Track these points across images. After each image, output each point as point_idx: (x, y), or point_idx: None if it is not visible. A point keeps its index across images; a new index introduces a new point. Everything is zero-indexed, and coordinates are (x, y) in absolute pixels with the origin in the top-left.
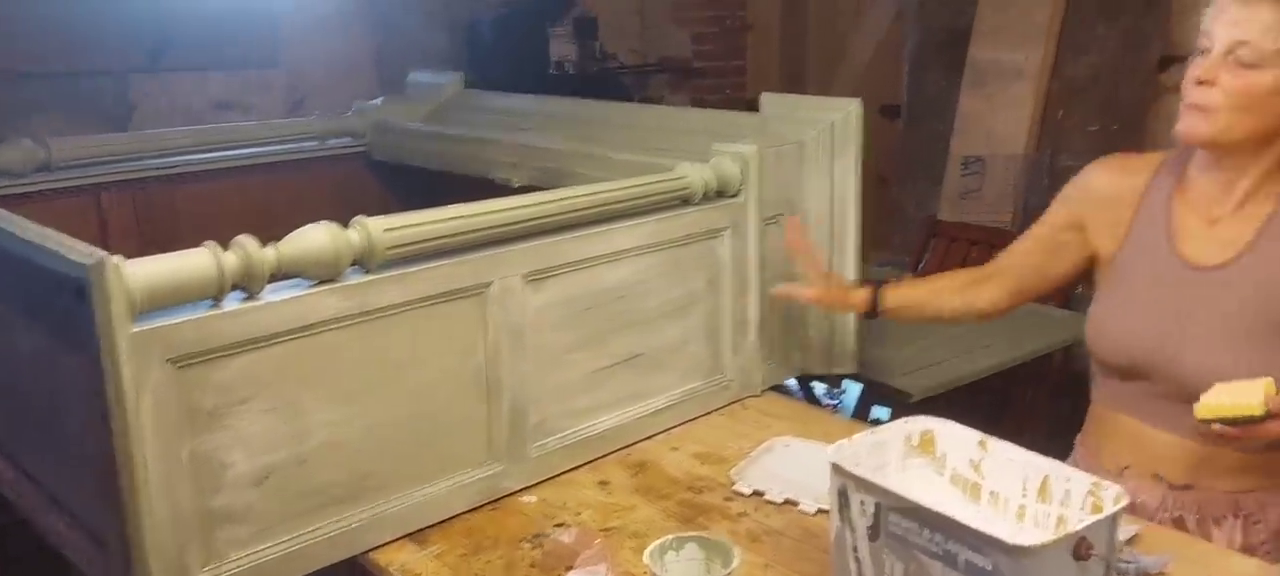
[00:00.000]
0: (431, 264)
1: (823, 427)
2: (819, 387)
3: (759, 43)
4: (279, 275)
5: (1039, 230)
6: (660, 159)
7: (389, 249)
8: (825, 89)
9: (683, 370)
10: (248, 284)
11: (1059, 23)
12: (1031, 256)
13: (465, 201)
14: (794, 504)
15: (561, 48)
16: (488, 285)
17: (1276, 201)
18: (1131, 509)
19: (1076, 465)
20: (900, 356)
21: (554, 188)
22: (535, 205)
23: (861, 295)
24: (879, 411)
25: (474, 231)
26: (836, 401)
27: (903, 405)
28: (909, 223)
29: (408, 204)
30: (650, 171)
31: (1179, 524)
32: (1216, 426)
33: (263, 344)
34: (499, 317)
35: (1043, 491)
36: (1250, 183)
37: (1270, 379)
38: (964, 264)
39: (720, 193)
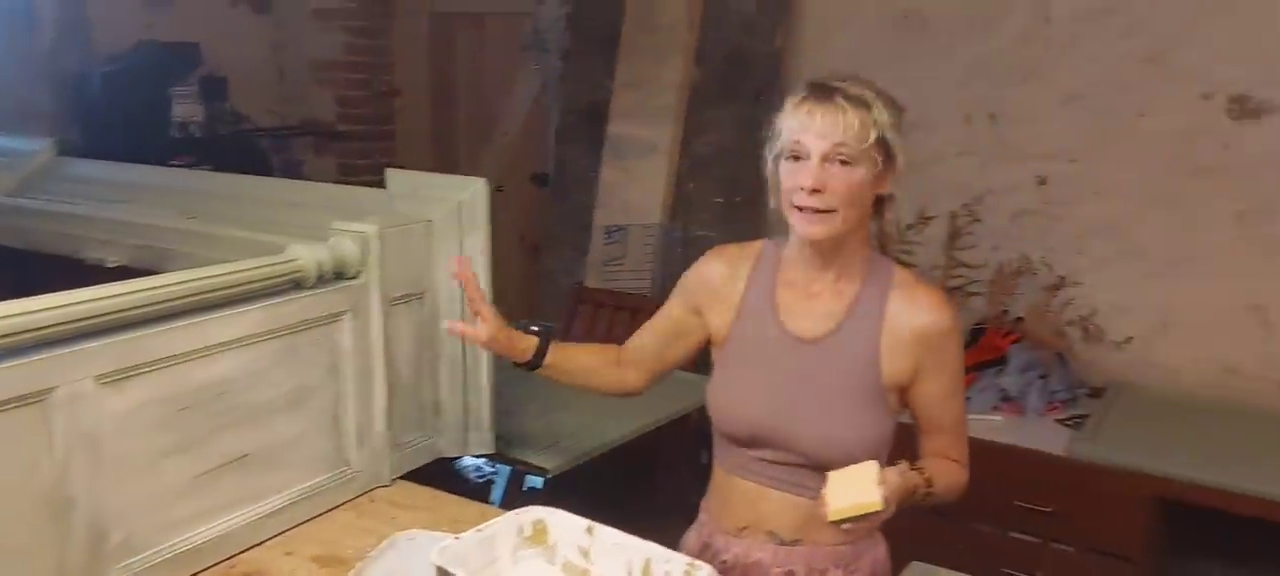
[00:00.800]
0: None
1: (453, 515)
2: (470, 462)
3: (408, 107)
4: None
5: (660, 321)
6: (276, 237)
7: None
8: (476, 156)
9: (301, 466)
10: None
11: (684, 105)
12: (656, 343)
13: (55, 286)
14: None
15: (186, 109)
16: (50, 391)
17: (861, 281)
18: (748, 567)
19: (702, 526)
20: (538, 428)
21: (155, 268)
22: (111, 297)
23: (528, 343)
24: (533, 481)
25: (28, 331)
26: (494, 471)
27: (552, 479)
28: (558, 290)
29: None
30: (260, 252)
31: None
32: (845, 526)
33: None
34: (68, 427)
35: (646, 574)
36: (842, 261)
37: (875, 463)
38: (610, 329)
39: (339, 274)
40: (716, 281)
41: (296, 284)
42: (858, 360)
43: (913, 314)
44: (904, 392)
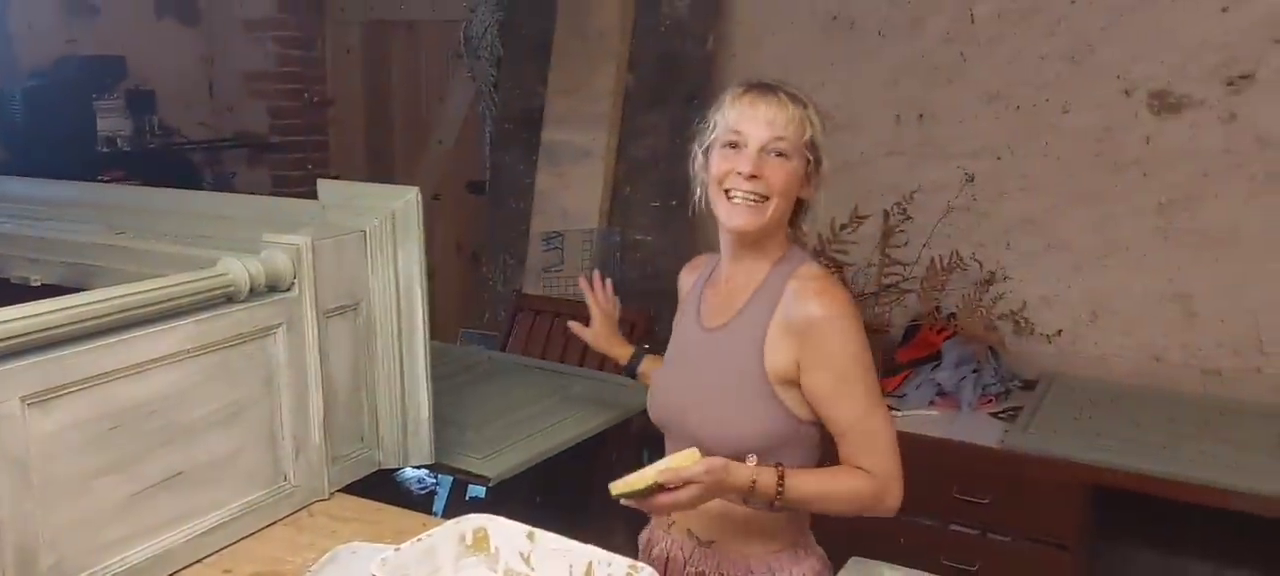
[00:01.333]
0: None
1: (396, 526)
2: (413, 474)
3: (342, 117)
4: None
5: None
6: (206, 250)
7: None
8: (412, 165)
9: (237, 483)
10: None
11: (618, 110)
12: None
13: None
14: None
15: (112, 123)
16: None
17: (768, 268)
18: (666, 563)
19: (650, 523)
20: (480, 438)
21: (83, 286)
22: (34, 316)
23: (626, 350)
24: (476, 491)
25: None
26: (436, 483)
27: (489, 487)
28: (498, 298)
29: None
30: (191, 266)
31: None
32: (624, 501)
33: None
34: None
35: None
36: (759, 255)
37: (695, 450)
38: (548, 336)
39: (271, 287)
40: (683, 288)
41: (228, 298)
42: (744, 348)
43: (796, 304)
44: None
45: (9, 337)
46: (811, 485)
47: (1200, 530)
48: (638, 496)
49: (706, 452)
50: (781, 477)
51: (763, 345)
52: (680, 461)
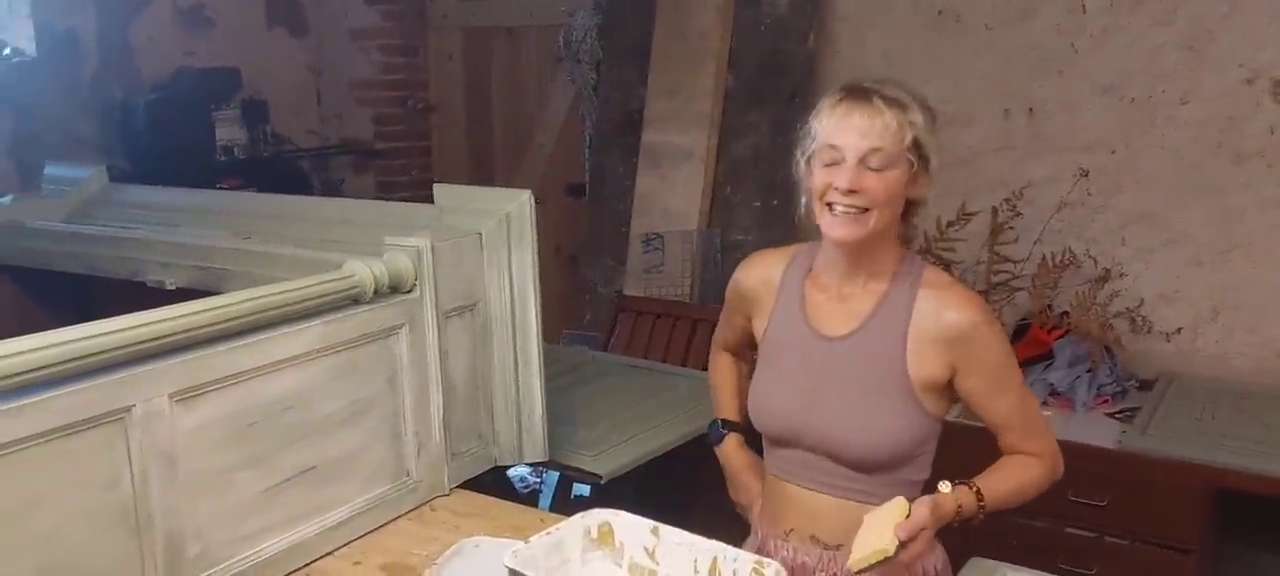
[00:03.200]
0: (54, 392)
1: (513, 522)
2: (515, 472)
3: (444, 124)
4: None
5: (728, 315)
6: (329, 254)
7: None
8: (512, 169)
9: (364, 478)
10: None
11: (719, 111)
12: (737, 336)
13: (116, 309)
14: None
15: (229, 132)
16: (128, 409)
17: (891, 279)
18: (795, 570)
19: (758, 530)
20: (591, 437)
21: (214, 289)
22: (180, 317)
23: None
24: (580, 489)
25: (105, 351)
26: (539, 481)
27: (600, 485)
28: (598, 299)
29: (53, 316)
30: (317, 269)
31: None
32: (868, 571)
33: None
34: (145, 443)
35: (712, 572)
36: (873, 263)
37: (902, 500)
38: (650, 337)
39: (394, 288)
40: (752, 288)
41: (354, 299)
42: (882, 357)
43: (939, 312)
44: (946, 392)
45: (160, 337)
46: (1003, 487)
47: None
48: (880, 564)
49: (840, 460)
50: (980, 492)
51: (902, 354)
52: (897, 516)
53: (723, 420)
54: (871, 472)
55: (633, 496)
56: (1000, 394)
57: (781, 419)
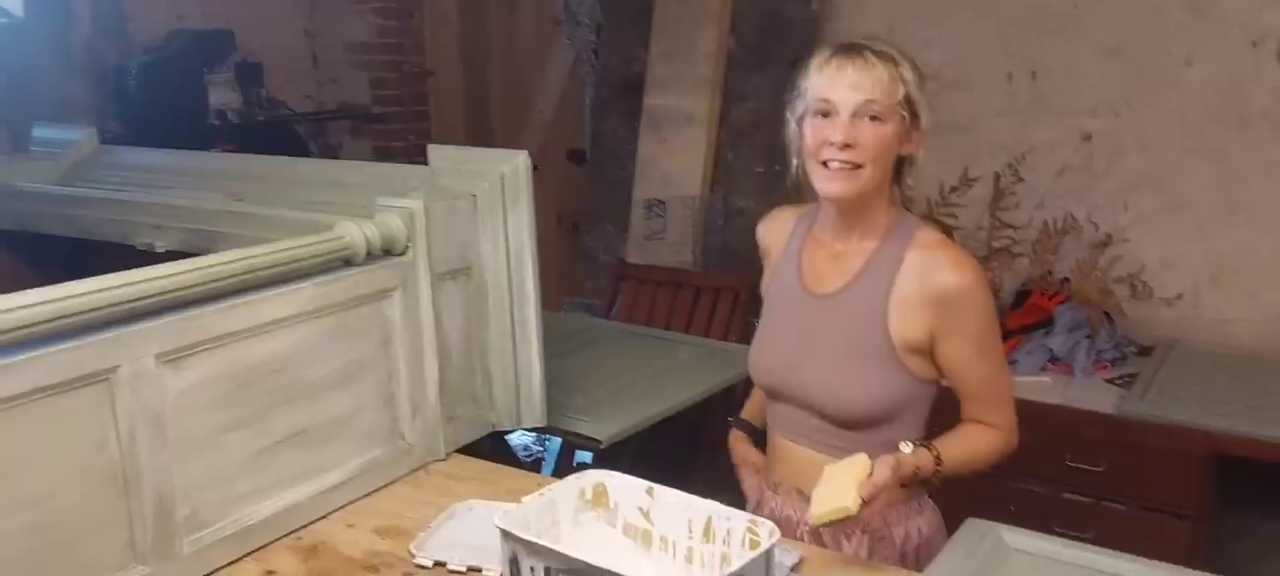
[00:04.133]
0: (37, 351)
1: (510, 486)
2: (518, 441)
3: (442, 88)
4: None
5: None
6: (321, 216)
7: None
8: (511, 135)
9: (357, 441)
10: None
11: (721, 74)
12: None
13: (106, 272)
14: (479, 571)
15: (222, 96)
16: (114, 369)
17: (882, 238)
18: (782, 523)
19: (758, 484)
20: (589, 402)
21: (204, 251)
22: (167, 277)
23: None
24: (583, 457)
25: (89, 311)
26: (542, 449)
27: (600, 450)
28: (600, 267)
29: (44, 279)
30: (309, 230)
31: (815, 538)
32: (825, 526)
33: None
34: (132, 404)
35: (707, 532)
36: (867, 221)
37: (864, 457)
38: (653, 305)
39: (387, 251)
40: (765, 244)
41: (346, 261)
42: (864, 317)
43: (926, 273)
44: (930, 355)
45: (146, 297)
46: (960, 453)
47: None
48: (840, 522)
49: (825, 417)
50: (938, 456)
51: (886, 314)
52: (859, 474)
53: (737, 416)
54: (855, 430)
55: (633, 462)
56: (977, 363)
57: (770, 373)
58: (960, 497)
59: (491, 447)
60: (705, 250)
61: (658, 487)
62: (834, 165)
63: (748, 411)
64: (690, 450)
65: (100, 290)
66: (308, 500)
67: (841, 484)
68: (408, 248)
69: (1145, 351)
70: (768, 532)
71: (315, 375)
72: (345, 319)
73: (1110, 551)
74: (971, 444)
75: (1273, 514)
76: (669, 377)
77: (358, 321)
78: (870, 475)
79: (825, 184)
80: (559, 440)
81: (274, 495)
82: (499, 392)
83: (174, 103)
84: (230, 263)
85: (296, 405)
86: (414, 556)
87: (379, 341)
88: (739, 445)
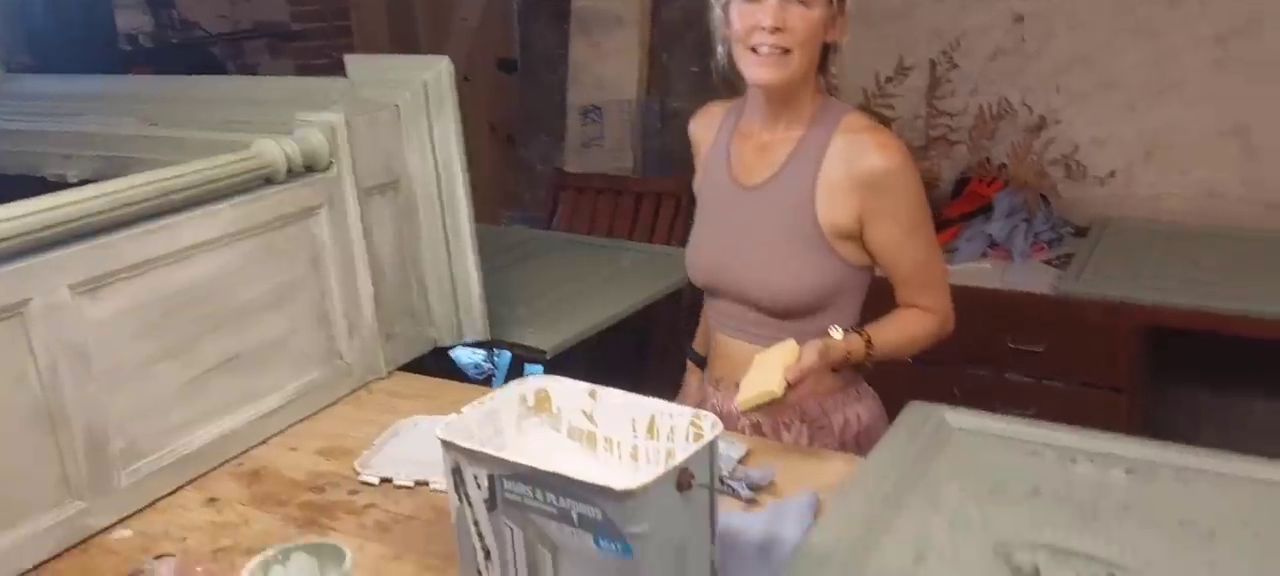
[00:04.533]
0: None
1: (454, 400)
2: (469, 359)
3: (364, 2)
4: None
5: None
6: (239, 135)
7: None
8: (438, 45)
9: (294, 363)
10: None
11: None
12: None
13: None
14: (425, 484)
15: (131, 19)
16: (25, 303)
17: (808, 126)
18: (724, 420)
19: (704, 382)
20: (532, 313)
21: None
22: (75, 204)
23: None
24: (533, 370)
25: None
26: (492, 367)
27: (546, 360)
28: (537, 178)
29: None
30: (225, 151)
31: (756, 429)
32: (755, 415)
33: None
34: (48, 337)
35: (651, 430)
36: (794, 109)
37: (792, 343)
38: (593, 214)
39: (309, 167)
40: (695, 140)
41: (267, 180)
42: (793, 205)
43: (853, 158)
44: (860, 240)
45: (54, 226)
46: (892, 336)
47: (1263, 367)
48: (766, 407)
49: (760, 309)
50: (869, 340)
51: (814, 200)
52: (787, 359)
53: (691, 347)
54: (790, 320)
55: (585, 373)
56: (908, 247)
57: (705, 271)
58: (902, 384)
59: (439, 368)
60: (644, 155)
61: (601, 389)
62: (763, 50)
63: (700, 339)
64: (639, 358)
65: (5, 220)
66: (246, 426)
67: (768, 369)
68: (331, 163)
69: (1081, 232)
70: (710, 425)
71: (244, 299)
72: (271, 239)
73: (1050, 424)
74: (905, 328)
75: (1208, 384)
76: (613, 285)
77: (284, 242)
78: (798, 359)
79: (755, 70)
80: (509, 355)
81: (211, 422)
82: (437, 306)
83: (84, 30)
84: (142, 186)
85: (227, 330)
86: (359, 474)
87: (308, 261)
88: (692, 377)
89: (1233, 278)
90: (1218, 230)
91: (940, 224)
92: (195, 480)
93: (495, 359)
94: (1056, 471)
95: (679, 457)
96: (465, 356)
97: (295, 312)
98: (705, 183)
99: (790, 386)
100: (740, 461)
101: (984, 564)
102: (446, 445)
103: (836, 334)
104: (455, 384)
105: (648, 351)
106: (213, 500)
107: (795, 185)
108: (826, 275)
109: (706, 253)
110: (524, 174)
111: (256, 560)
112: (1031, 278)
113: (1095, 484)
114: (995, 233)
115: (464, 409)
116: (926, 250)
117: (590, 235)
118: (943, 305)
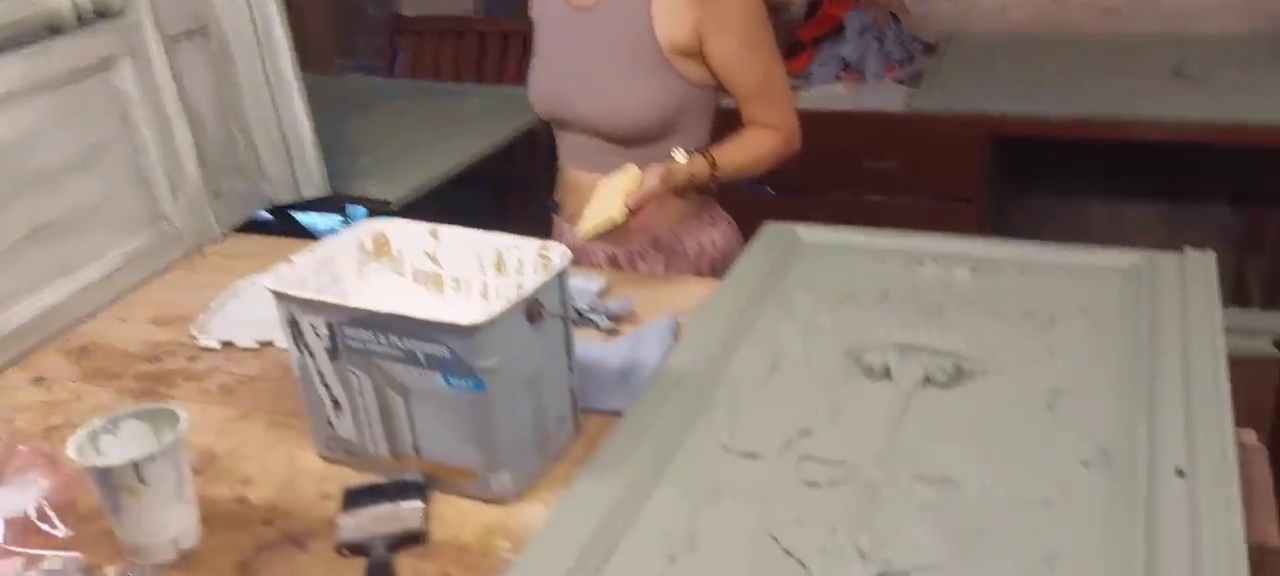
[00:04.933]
0: None
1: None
2: (323, 224)
3: None
4: None
5: None
6: None
7: None
8: None
9: (114, 228)
10: None
11: None
12: None
13: None
14: (270, 344)
15: None
16: None
17: None
18: (578, 253)
19: (557, 221)
20: (375, 162)
21: None
22: None
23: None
24: None
25: None
26: (343, 223)
27: (393, 214)
28: (372, 24)
29: None
30: None
31: (613, 261)
32: (600, 243)
33: None
34: None
35: (500, 265)
36: None
37: (634, 168)
38: (437, 58)
39: (100, 13)
40: None
41: (53, 29)
42: (629, 24)
43: None
44: (700, 57)
45: None
46: (738, 156)
47: (1102, 170)
48: (611, 232)
49: (603, 136)
50: (713, 161)
51: (650, 16)
52: (629, 185)
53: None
54: (636, 145)
55: (442, 220)
56: (747, 61)
57: (546, 100)
58: (759, 210)
59: (291, 236)
60: None
61: (443, 228)
62: None
63: (559, 189)
64: (499, 215)
65: None
66: (68, 298)
67: (610, 195)
68: (125, 7)
69: (930, 49)
70: (559, 255)
71: (46, 162)
72: (69, 95)
73: (897, 231)
74: (750, 147)
75: (1054, 189)
76: (460, 130)
77: (85, 97)
78: (640, 185)
79: None
80: (363, 211)
81: (29, 297)
82: (268, 160)
83: None
84: None
85: (31, 197)
86: (197, 339)
87: (117, 117)
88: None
89: (1072, 83)
90: (1060, 37)
91: (794, 47)
92: (18, 359)
93: (349, 217)
94: (904, 275)
95: (529, 290)
96: (319, 222)
97: (108, 174)
98: (541, 10)
99: (632, 211)
100: (599, 294)
101: (837, 366)
102: (279, 296)
103: (680, 157)
104: (293, 242)
105: (508, 198)
106: (40, 379)
107: (630, 2)
108: (668, 95)
109: (546, 81)
110: (357, 19)
111: (82, 431)
112: (884, 97)
113: (941, 283)
114: (847, 54)
115: (293, 256)
116: (768, 64)
117: (435, 80)
118: (787, 121)
